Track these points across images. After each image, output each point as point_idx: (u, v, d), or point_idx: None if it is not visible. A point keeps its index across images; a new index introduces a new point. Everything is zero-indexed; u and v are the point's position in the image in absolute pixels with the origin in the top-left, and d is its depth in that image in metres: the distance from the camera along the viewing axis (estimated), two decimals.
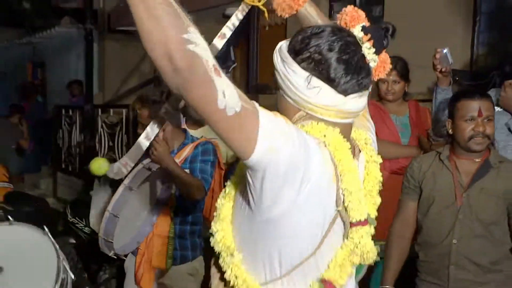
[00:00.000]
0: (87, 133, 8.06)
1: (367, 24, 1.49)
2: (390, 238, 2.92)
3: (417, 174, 2.86)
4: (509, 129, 3.12)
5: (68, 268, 2.60)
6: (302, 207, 1.40)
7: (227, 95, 1.19)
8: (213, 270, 1.66)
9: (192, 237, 3.40)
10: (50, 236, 2.63)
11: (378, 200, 1.61)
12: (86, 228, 4.60)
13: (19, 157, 9.88)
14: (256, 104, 1.30)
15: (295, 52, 1.44)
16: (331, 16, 7.27)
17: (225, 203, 1.62)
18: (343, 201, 1.45)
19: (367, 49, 1.45)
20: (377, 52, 1.48)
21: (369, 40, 1.46)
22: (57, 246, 2.61)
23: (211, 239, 1.59)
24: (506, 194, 2.67)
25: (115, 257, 3.19)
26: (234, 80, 8.07)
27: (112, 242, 2.97)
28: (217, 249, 1.57)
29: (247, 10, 1.91)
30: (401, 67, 3.68)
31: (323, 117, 1.45)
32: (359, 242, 1.49)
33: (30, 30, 13.11)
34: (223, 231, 1.58)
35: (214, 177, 3.33)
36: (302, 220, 1.43)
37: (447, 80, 3.33)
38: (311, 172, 1.37)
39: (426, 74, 4.57)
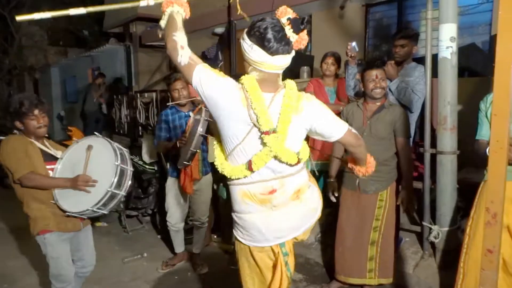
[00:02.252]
0: (130, 109, 7.94)
1: (292, 16, 1.55)
2: (333, 152, 2.96)
3: (345, 114, 2.94)
4: (389, 88, 3.16)
5: (121, 146, 2.48)
6: (225, 117, 1.59)
7: (182, 55, 1.56)
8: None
9: (207, 161, 3.42)
10: (104, 137, 2.52)
11: (289, 120, 1.60)
12: (140, 161, 4.56)
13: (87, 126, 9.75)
14: (201, 63, 1.60)
15: (247, 32, 1.56)
16: None
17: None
18: (257, 119, 1.56)
19: (288, 30, 1.54)
20: (296, 32, 1.54)
21: (289, 24, 1.53)
22: (109, 140, 2.50)
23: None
24: (391, 123, 2.77)
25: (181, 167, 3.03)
26: (221, 71, 8.04)
27: (196, 152, 2.78)
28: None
29: None
30: (337, 57, 3.75)
31: (261, 68, 1.57)
32: (272, 146, 1.57)
33: (89, 48, 12.73)
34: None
35: None
36: (227, 124, 1.60)
37: (354, 61, 3.38)
38: (224, 98, 1.56)
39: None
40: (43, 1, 12.83)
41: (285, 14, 1.57)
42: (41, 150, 2.46)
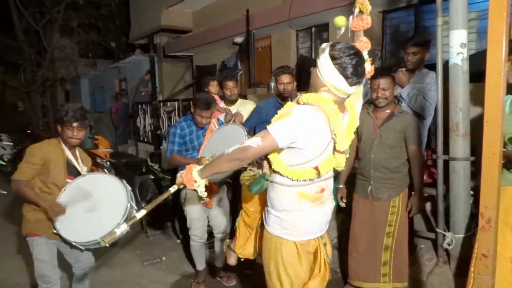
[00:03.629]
0: (154, 118, 8.15)
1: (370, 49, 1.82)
2: None
3: None
4: (400, 95, 3.18)
5: (133, 197, 2.52)
6: (312, 140, 1.70)
7: (251, 142, 1.64)
8: (265, 162, 1.88)
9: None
10: (122, 181, 2.57)
11: (353, 137, 1.85)
12: (159, 169, 4.68)
13: (114, 135, 10.08)
14: (268, 128, 1.66)
15: (333, 58, 1.66)
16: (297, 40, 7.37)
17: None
18: (334, 138, 1.73)
19: (367, 65, 1.73)
20: (371, 64, 1.77)
21: (370, 60, 1.74)
22: (127, 185, 2.53)
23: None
24: (401, 130, 2.77)
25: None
26: (240, 80, 8.13)
27: None
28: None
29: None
30: None
31: (334, 92, 1.70)
32: (339, 159, 1.80)
33: (116, 59, 13.18)
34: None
35: None
36: (311, 143, 1.71)
37: None
38: (316, 131, 1.68)
39: None
40: (74, 15, 13.44)
41: (366, 47, 1.78)
42: (68, 162, 2.58)
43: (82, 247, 2.44)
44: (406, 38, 5.41)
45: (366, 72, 1.69)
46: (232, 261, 2.24)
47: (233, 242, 2.24)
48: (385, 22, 5.65)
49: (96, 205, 2.47)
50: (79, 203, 2.47)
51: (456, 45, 2.79)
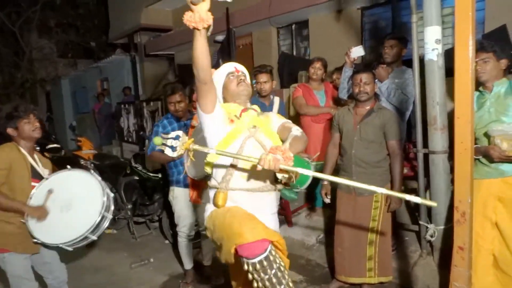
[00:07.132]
0: (138, 118, 8.10)
1: None
2: (327, 155, 3.08)
3: (337, 118, 3.03)
4: (379, 89, 3.22)
5: (109, 191, 2.55)
6: None
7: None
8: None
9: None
10: (95, 174, 2.57)
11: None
12: (143, 170, 4.65)
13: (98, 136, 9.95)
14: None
15: None
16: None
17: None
18: None
19: None
20: None
21: None
22: (99, 178, 2.54)
23: None
24: (381, 126, 2.82)
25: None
26: None
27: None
28: None
29: None
30: (324, 62, 3.84)
31: None
32: None
33: (97, 59, 13.01)
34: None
35: None
36: None
37: (351, 64, 3.44)
38: None
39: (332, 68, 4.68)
40: (51, 15, 13.19)
41: None
42: (31, 166, 2.48)
43: (69, 248, 2.42)
44: (384, 33, 5.50)
45: None
46: None
47: None
48: (364, 18, 5.72)
49: (71, 203, 2.44)
50: (51, 204, 2.43)
51: (431, 41, 2.85)
